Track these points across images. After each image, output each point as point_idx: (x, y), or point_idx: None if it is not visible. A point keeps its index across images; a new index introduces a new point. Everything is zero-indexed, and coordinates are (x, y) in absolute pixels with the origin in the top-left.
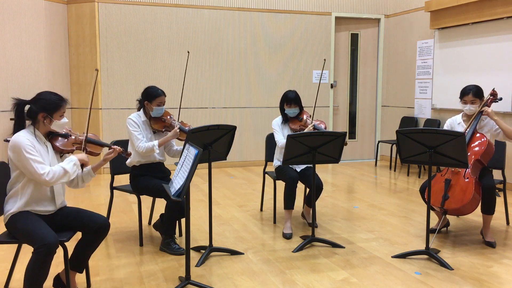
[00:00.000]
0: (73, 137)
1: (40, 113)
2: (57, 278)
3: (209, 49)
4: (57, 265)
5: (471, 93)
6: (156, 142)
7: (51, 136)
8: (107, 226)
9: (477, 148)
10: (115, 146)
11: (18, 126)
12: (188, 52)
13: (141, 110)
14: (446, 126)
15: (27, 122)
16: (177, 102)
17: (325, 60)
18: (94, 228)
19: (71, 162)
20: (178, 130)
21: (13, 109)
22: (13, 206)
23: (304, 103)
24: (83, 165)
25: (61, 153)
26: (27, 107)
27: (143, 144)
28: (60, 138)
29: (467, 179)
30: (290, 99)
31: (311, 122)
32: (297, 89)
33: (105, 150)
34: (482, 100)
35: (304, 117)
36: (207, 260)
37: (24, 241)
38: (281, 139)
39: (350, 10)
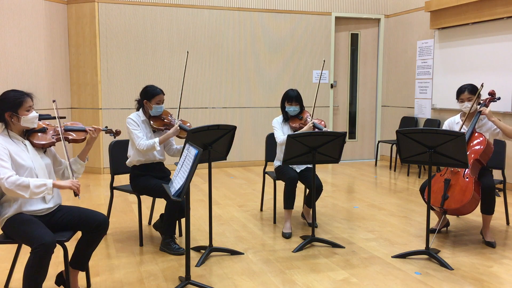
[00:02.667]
0: (51, 130)
1: (5, 113)
2: (59, 276)
3: (209, 49)
4: (59, 263)
5: (467, 90)
6: (157, 140)
7: (28, 134)
8: (106, 224)
9: (476, 148)
10: (94, 126)
11: None
12: (188, 52)
13: (140, 109)
14: (444, 127)
15: (2, 127)
16: (177, 102)
17: (324, 60)
18: (93, 226)
19: (42, 182)
20: (178, 128)
21: None
22: (6, 210)
23: (304, 103)
24: (75, 192)
25: (43, 148)
26: None
27: (144, 141)
28: (38, 134)
29: (467, 179)
30: (291, 97)
31: (311, 120)
32: (297, 89)
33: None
34: (479, 98)
35: (305, 115)
36: (207, 260)
37: (22, 242)
38: (280, 136)
39: (350, 10)
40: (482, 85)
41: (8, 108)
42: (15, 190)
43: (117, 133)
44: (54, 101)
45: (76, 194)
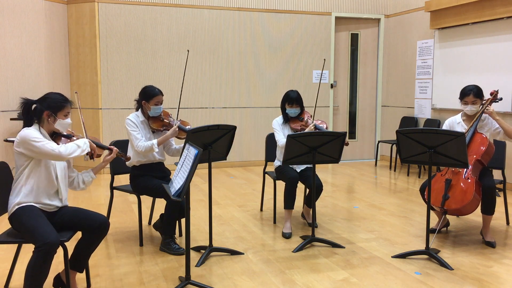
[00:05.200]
0: (75, 138)
1: (45, 111)
2: (57, 278)
3: (209, 49)
4: (57, 264)
5: (472, 93)
6: (155, 141)
7: (54, 136)
8: (106, 225)
9: (477, 148)
10: (112, 147)
11: (26, 125)
12: (188, 50)
13: (139, 110)
14: (445, 126)
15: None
16: (177, 102)
17: (324, 60)
18: (93, 227)
19: (81, 139)
20: (177, 129)
21: (21, 108)
22: (18, 197)
23: (304, 103)
24: (93, 155)
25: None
26: (33, 106)
27: (142, 143)
28: (63, 139)
29: (468, 179)
30: (292, 99)
31: (312, 122)
32: (297, 89)
33: (105, 153)
34: (482, 100)
35: (305, 117)
36: (207, 260)
37: (26, 237)
38: (281, 139)
39: (350, 10)
40: (494, 91)
41: (49, 107)
42: (70, 156)
43: (128, 158)
44: (76, 92)
45: (92, 157)
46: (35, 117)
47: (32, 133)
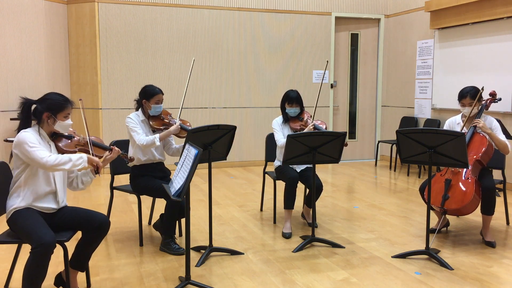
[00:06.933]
0: (76, 138)
1: (44, 112)
2: (58, 277)
3: (209, 49)
4: (58, 264)
5: (469, 95)
6: (157, 136)
7: (54, 137)
8: (107, 224)
9: (477, 148)
10: (114, 147)
11: (24, 124)
12: (194, 59)
13: (140, 109)
14: (445, 127)
15: (33, 122)
16: (178, 102)
17: (328, 61)
18: (94, 226)
19: (79, 155)
20: (179, 126)
21: (20, 108)
22: (15, 201)
23: (304, 103)
24: (98, 169)
25: (63, 153)
26: (33, 107)
27: (144, 137)
28: (63, 139)
29: (468, 180)
30: (292, 98)
31: (312, 122)
32: (297, 89)
33: (106, 153)
34: (481, 100)
35: (305, 117)
36: (207, 260)
37: (23, 239)
38: (281, 139)
39: (350, 10)
40: (482, 89)
41: (49, 109)
42: (57, 167)
43: (131, 159)
44: (80, 99)
45: (97, 172)
46: (35, 117)
47: (29, 137)
